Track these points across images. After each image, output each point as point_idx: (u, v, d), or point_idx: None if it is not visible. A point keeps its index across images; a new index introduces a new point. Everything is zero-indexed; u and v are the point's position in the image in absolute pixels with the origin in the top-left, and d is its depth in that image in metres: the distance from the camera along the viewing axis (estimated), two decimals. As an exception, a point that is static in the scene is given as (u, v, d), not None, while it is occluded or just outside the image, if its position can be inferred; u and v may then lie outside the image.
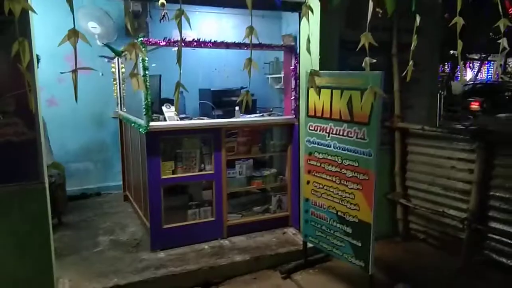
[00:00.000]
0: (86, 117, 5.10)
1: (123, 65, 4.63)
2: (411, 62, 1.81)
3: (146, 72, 3.14)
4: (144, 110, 3.16)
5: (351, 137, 2.71)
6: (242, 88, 5.52)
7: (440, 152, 3.37)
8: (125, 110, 4.67)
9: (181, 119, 3.74)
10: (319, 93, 2.88)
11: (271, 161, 3.96)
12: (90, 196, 5.05)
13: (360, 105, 2.62)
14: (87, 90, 5.00)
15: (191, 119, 3.62)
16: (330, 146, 2.87)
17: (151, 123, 3.20)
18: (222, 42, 3.36)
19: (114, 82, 4.76)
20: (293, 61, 3.66)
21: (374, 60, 1.67)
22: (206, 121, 3.46)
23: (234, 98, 5.24)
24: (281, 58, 6.06)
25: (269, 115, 3.85)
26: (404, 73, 1.81)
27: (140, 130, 3.24)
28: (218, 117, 3.95)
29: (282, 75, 5.73)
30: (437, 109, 4.19)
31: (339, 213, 2.86)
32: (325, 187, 2.95)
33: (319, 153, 2.97)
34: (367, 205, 2.66)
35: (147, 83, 3.15)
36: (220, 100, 5.15)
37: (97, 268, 3.08)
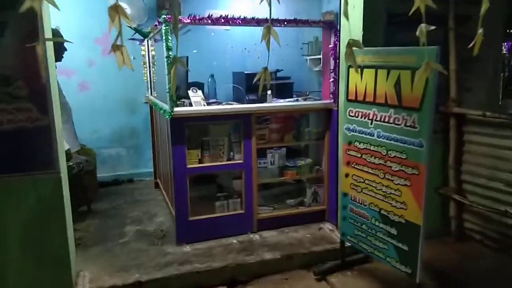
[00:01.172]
0: (117, 102, 4.98)
1: (153, 48, 4.44)
2: (480, 30, 1.42)
3: (170, 53, 2.90)
4: (168, 94, 2.93)
5: (399, 124, 2.33)
6: (278, 70, 5.20)
7: (503, 142, 2.89)
8: (155, 94, 4.50)
9: (210, 104, 3.49)
10: (361, 73, 2.50)
11: (306, 150, 3.63)
12: (122, 183, 4.97)
13: (410, 86, 2.22)
14: (118, 74, 4.83)
15: (220, 104, 3.36)
16: (373, 135, 2.50)
17: (176, 109, 2.96)
18: (252, 19, 3.04)
19: (144, 66, 4.58)
20: (333, 39, 3.27)
21: (433, 27, 1.31)
22: (235, 106, 3.18)
23: (270, 82, 4.94)
24: (321, 37, 5.66)
25: (305, 99, 3.50)
26: (471, 44, 1.43)
27: (165, 115, 3.02)
28: (251, 102, 3.66)
29: (321, 56, 5.35)
30: (499, 92, 3.65)
31: (382, 212, 2.50)
32: (367, 181, 2.59)
33: (360, 143, 2.61)
34: (416, 204, 2.28)
35: (170, 64, 2.91)
36: (254, 84, 4.86)
37: (120, 261, 2.93)
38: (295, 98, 3.49)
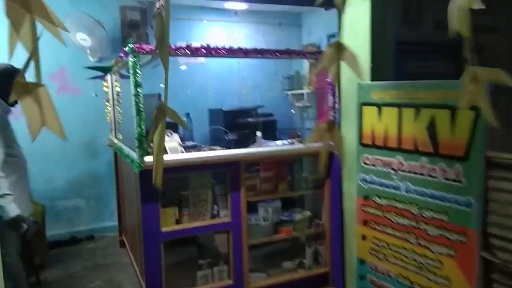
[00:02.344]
0: (75, 146, 4.29)
1: (118, 84, 3.86)
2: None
3: (139, 90, 2.33)
4: (137, 141, 2.34)
5: (435, 177, 1.84)
6: (258, 107, 4.73)
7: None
8: (120, 137, 3.87)
9: (187, 148, 2.91)
10: (379, 112, 2.03)
11: (302, 200, 3.09)
12: (80, 241, 4.20)
13: (450, 129, 1.76)
14: (77, 113, 4.24)
15: (199, 149, 2.78)
16: (399, 189, 2.00)
17: (147, 158, 2.36)
18: (239, 49, 2.55)
19: (107, 104, 3.97)
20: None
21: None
22: (220, 152, 2.62)
23: (250, 120, 4.44)
24: (302, 71, 5.29)
25: (300, 141, 2.99)
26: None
27: (133, 167, 2.41)
28: (234, 144, 3.12)
29: (305, 91, 4.94)
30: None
31: (415, 287, 1.96)
32: (393, 247, 2.06)
33: (380, 198, 2.10)
34: (465, 280, 1.76)
35: (140, 105, 2.34)
36: (233, 123, 4.33)
37: None
38: (290, 141, 2.97)
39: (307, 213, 2.96)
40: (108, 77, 3.83)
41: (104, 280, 3.28)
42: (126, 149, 2.89)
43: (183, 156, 2.50)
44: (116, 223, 4.15)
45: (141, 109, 2.34)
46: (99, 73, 3.80)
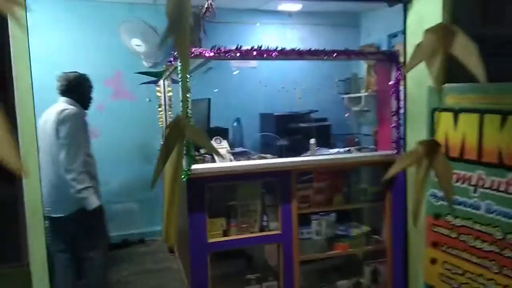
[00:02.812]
0: (130, 150, 4.36)
1: (169, 89, 3.85)
2: None
3: (188, 95, 2.24)
4: (185, 148, 2.24)
5: (526, 196, 1.54)
6: (311, 111, 4.52)
7: None
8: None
9: (236, 155, 2.79)
10: (455, 118, 1.76)
11: (360, 214, 2.84)
12: (132, 245, 4.24)
13: (547, 141, 1.46)
14: (131, 118, 4.31)
15: (249, 156, 2.64)
16: (479, 208, 1.71)
17: (194, 167, 2.26)
18: (292, 50, 2.38)
19: (160, 109, 3.97)
20: (394, 74, 2.56)
21: None
22: (270, 161, 2.45)
23: (302, 125, 4.25)
24: (360, 73, 5.01)
25: (359, 149, 2.75)
26: None
27: (181, 176, 2.32)
28: (285, 151, 2.94)
29: (363, 94, 4.65)
30: None
31: (498, 325, 1.66)
32: (468, 275, 1.77)
33: (455, 217, 1.82)
34: None
35: (188, 110, 2.24)
36: (285, 128, 4.17)
37: None
38: (347, 149, 2.74)
39: (365, 228, 2.71)
40: (161, 82, 3.83)
41: (153, 287, 3.24)
42: (175, 155, 2.82)
43: (232, 164, 2.37)
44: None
45: (189, 115, 2.24)
46: (151, 79, 3.82)
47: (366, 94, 4.52)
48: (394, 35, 4.45)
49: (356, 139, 3.44)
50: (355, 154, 2.63)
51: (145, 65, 4.32)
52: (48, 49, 4.09)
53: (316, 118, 4.36)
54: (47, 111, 2.71)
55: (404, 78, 2.51)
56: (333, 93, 4.90)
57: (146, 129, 4.34)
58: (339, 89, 4.94)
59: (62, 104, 2.68)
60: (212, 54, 2.28)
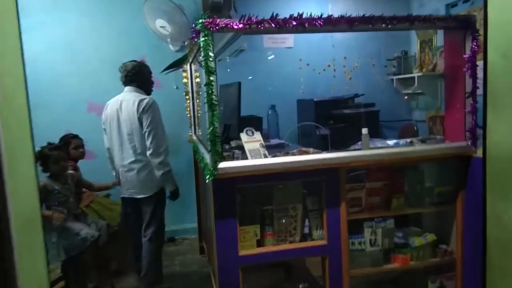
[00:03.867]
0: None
1: (197, 74, 3.47)
2: None
3: (211, 78, 1.83)
4: (210, 142, 1.84)
5: None
6: (356, 95, 4.01)
7: None
8: (200, 133, 3.49)
9: (272, 149, 2.36)
10: None
11: (423, 220, 2.35)
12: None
13: None
14: (160, 107, 3.96)
15: (287, 151, 2.19)
16: None
17: (222, 165, 1.86)
18: (341, 18, 1.91)
19: (187, 97, 3.60)
20: (470, 44, 2.03)
21: None
22: (314, 157, 2.00)
23: (346, 111, 3.75)
24: (411, 51, 4.41)
25: (423, 140, 2.23)
26: None
27: (204, 174, 1.93)
28: (328, 143, 2.47)
29: (417, 73, 4.07)
30: None
31: None
32: None
33: None
34: None
35: (214, 97, 1.84)
36: (326, 115, 3.69)
37: None
38: (409, 140, 2.23)
39: (430, 237, 2.22)
40: (188, 66, 3.45)
41: (181, 294, 2.92)
42: (202, 150, 2.45)
43: (267, 161, 1.94)
44: (196, 224, 3.80)
45: (215, 102, 1.83)
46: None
47: (420, 74, 3.94)
48: (454, 4, 3.82)
49: (416, 127, 2.90)
50: (421, 147, 2.13)
51: (171, 48, 3.96)
52: (67, 35, 3.81)
53: (363, 103, 3.84)
54: (113, 100, 2.91)
55: (484, 49, 1.97)
56: (381, 75, 4.35)
57: (173, 119, 3.98)
58: (387, 70, 4.38)
59: (133, 94, 2.84)
60: (241, 26, 1.85)
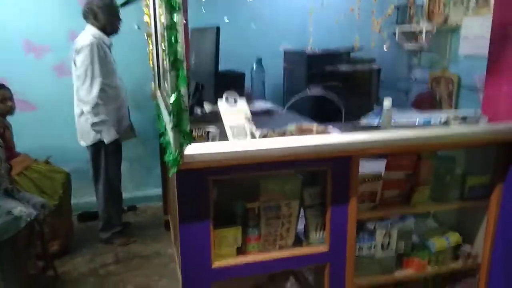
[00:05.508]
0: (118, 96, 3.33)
1: (161, 11, 2.72)
2: None
3: (175, 19, 1.19)
4: (173, 117, 1.23)
5: None
6: (352, 49, 3.41)
7: None
8: (166, 87, 2.82)
9: (258, 116, 1.77)
10: None
11: (447, 217, 1.89)
12: (122, 213, 3.40)
13: None
14: (118, 52, 3.21)
15: (283, 130, 1.59)
16: None
17: (190, 149, 1.27)
18: None
19: (149, 41, 2.89)
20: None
21: None
22: (321, 140, 1.43)
23: (343, 69, 3.18)
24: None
25: (463, 118, 1.69)
26: None
27: (167, 165, 1.33)
28: (330, 114, 1.90)
29: (423, 26, 3.47)
30: None
31: None
32: None
33: None
34: None
35: (179, 49, 1.20)
36: (319, 71, 3.10)
37: None
38: (442, 118, 1.69)
39: (454, 238, 1.77)
40: (151, 2, 2.70)
41: (137, 286, 2.42)
42: (165, 118, 1.83)
43: (255, 146, 1.36)
44: (160, 191, 3.25)
45: (180, 57, 1.20)
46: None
47: (428, 27, 3.36)
48: None
49: (437, 97, 2.34)
50: (459, 129, 1.59)
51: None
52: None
53: (360, 58, 3.25)
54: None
55: None
56: (380, 25, 3.71)
57: (134, 68, 3.29)
58: (390, 19, 3.75)
59: (83, 32, 2.62)
60: None
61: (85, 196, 3.40)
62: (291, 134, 1.46)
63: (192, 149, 1.28)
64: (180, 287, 2.19)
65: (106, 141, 2.61)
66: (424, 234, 1.78)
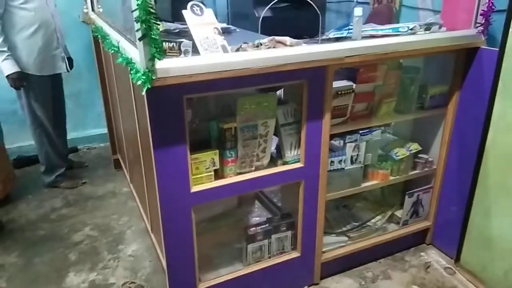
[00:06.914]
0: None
1: None
2: None
3: None
4: (140, 24, 1.06)
5: None
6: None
7: None
8: (101, 9, 2.49)
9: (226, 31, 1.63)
10: None
11: (409, 127, 1.97)
12: (61, 156, 3.13)
13: None
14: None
15: (258, 43, 1.48)
16: None
17: (161, 63, 1.13)
18: None
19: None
20: None
21: None
22: (299, 50, 1.35)
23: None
24: None
25: (426, 28, 1.69)
26: None
27: (136, 82, 1.18)
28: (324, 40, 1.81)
29: None
30: None
31: None
32: None
33: None
34: None
35: None
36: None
37: None
38: (410, 26, 1.66)
39: (415, 146, 1.86)
40: None
41: (97, 227, 2.30)
42: (116, 37, 1.61)
43: (232, 59, 1.25)
44: (105, 130, 3.02)
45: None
46: None
47: None
48: None
49: (394, 10, 2.30)
50: (424, 36, 1.59)
51: None
52: None
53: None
54: None
55: None
56: None
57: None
58: None
59: None
60: None
61: (18, 141, 3.08)
62: (267, 47, 1.36)
63: (164, 63, 1.14)
64: (144, 224, 2.13)
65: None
66: (386, 146, 1.85)
